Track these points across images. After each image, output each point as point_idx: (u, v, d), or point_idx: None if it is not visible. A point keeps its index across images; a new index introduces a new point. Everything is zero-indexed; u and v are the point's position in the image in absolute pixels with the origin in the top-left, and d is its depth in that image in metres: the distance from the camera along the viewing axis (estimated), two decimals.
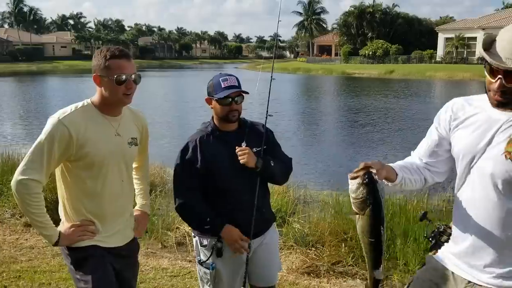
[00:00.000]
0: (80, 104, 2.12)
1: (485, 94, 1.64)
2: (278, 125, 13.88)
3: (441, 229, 1.82)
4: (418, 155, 1.87)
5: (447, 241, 1.80)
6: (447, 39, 50.58)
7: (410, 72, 40.73)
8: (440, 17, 72.83)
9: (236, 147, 2.42)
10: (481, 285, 1.67)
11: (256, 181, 2.45)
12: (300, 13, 78.98)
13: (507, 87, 1.52)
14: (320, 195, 6.47)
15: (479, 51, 1.63)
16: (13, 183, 2.02)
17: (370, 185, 1.56)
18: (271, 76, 2.67)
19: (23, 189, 2.00)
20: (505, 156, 1.56)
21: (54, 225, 2.11)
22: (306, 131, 14.82)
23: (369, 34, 59.74)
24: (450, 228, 1.82)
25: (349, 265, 4.08)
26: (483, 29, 47.37)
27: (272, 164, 2.46)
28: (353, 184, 1.59)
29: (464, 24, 51.54)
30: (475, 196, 1.66)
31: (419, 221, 1.89)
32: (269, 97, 2.65)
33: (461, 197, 1.73)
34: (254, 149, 2.45)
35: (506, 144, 1.57)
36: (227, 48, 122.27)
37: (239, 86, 2.42)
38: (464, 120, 1.72)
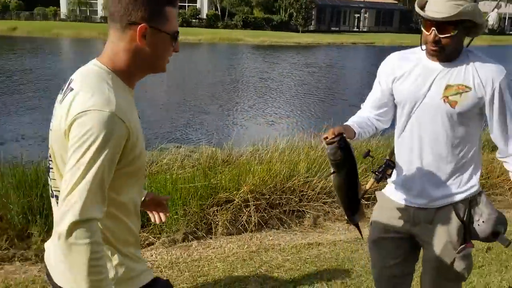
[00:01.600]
0: (102, 73, 1.31)
1: (419, 48, 1.93)
2: None
3: (387, 164, 2.08)
4: (367, 108, 2.13)
5: (391, 174, 2.08)
6: None
7: (34, 29, 38.25)
8: None
9: None
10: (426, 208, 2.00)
11: None
12: None
13: (439, 37, 1.79)
14: None
15: (416, 9, 1.83)
16: (64, 231, 1.13)
17: (346, 148, 1.78)
18: None
19: (86, 239, 1.15)
20: (443, 100, 1.86)
21: None
22: None
23: None
24: (393, 162, 2.08)
25: (4, 249, 3.45)
26: None
27: None
28: (331, 149, 1.78)
29: None
30: (413, 140, 1.97)
31: (363, 158, 2.09)
32: None
33: (402, 141, 2.02)
34: None
35: (444, 90, 1.86)
36: None
37: None
38: (404, 72, 1.96)
